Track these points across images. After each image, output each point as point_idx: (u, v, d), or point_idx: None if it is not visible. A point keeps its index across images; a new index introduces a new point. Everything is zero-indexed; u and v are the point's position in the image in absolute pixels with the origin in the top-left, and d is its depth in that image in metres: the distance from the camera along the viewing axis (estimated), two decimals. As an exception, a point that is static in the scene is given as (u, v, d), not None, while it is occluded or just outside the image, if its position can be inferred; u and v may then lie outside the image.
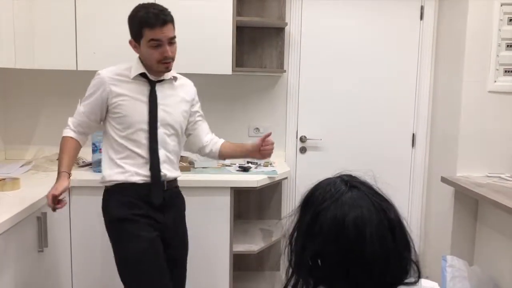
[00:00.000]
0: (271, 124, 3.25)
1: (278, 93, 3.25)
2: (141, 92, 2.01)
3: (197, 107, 2.24)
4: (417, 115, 3.30)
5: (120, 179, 1.99)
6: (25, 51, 2.58)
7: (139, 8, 1.96)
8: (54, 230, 2.30)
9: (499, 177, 2.78)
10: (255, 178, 2.64)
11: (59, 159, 2.03)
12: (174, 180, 2.14)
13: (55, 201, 1.89)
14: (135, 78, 2.00)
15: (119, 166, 2.00)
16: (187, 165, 2.77)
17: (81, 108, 2.06)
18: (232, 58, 2.79)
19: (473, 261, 2.90)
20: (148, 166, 2.00)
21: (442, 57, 3.15)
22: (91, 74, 2.94)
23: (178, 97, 2.11)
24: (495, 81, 2.82)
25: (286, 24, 3.11)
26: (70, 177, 2.04)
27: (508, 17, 2.76)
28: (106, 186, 2.06)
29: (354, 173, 1.08)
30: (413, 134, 3.32)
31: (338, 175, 1.07)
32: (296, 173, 3.28)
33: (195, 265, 2.65)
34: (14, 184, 2.24)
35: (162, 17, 1.91)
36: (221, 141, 2.29)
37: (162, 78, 2.05)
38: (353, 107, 3.26)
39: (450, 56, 3.03)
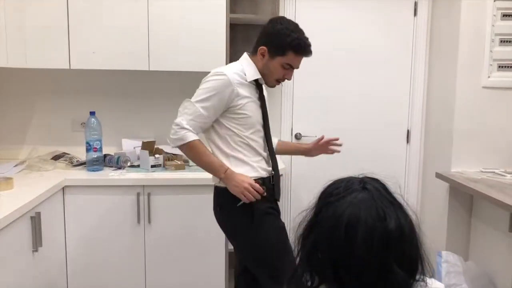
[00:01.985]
0: (266, 121, 3.24)
1: (273, 91, 3.21)
2: (255, 95, 2.06)
3: None
4: (411, 111, 3.30)
5: (253, 175, 2.02)
6: (17, 50, 2.56)
7: (292, 29, 2.00)
8: (49, 229, 2.29)
9: (494, 172, 2.79)
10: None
11: (209, 163, 2.00)
12: None
13: (256, 189, 1.96)
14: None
15: (247, 163, 2.03)
16: (182, 163, 2.77)
17: (201, 110, 1.95)
18: (226, 56, 2.78)
19: (468, 256, 2.91)
20: (265, 163, 2.10)
21: (436, 53, 3.16)
22: (85, 72, 2.96)
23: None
24: (489, 77, 2.82)
25: (280, 21, 3.10)
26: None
27: (501, 13, 2.77)
28: None
29: (377, 177, 1.07)
30: (408, 130, 3.33)
31: (361, 175, 1.07)
32: (292, 170, 3.28)
33: (191, 263, 2.65)
34: (8, 184, 2.22)
35: (310, 51, 2.03)
36: (276, 138, 2.36)
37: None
38: (348, 103, 3.26)
39: (444, 52, 3.04)
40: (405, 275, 0.95)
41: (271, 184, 2.09)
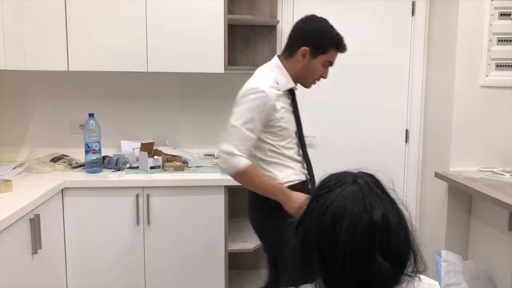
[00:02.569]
0: (265, 122, 3.25)
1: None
2: (288, 103, 2.02)
3: None
4: (410, 111, 3.31)
5: (296, 178, 2.00)
6: (15, 52, 2.56)
7: (330, 25, 2.02)
8: (48, 231, 2.28)
9: (492, 171, 2.80)
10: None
11: (265, 187, 1.92)
12: None
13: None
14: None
15: (289, 167, 2.00)
16: (181, 165, 2.77)
17: (247, 132, 1.87)
18: (224, 57, 2.78)
19: (467, 255, 2.91)
20: (302, 166, 2.06)
21: (434, 52, 3.16)
22: (83, 74, 2.96)
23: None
24: (487, 76, 2.83)
25: (278, 22, 3.11)
26: None
27: (499, 12, 2.78)
28: None
29: (372, 172, 1.09)
30: (407, 130, 3.33)
31: (357, 170, 1.10)
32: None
33: (190, 264, 2.65)
34: (6, 186, 2.22)
35: (346, 46, 2.03)
36: None
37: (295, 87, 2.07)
38: (346, 104, 3.26)
39: (442, 52, 3.04)
40: (389, 267, 0.96)
41: (308, 188, 2.04)
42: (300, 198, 1.86)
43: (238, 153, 1.85)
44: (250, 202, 2.13)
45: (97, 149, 2.69)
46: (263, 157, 1.99)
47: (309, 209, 1.07)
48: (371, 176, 1.08)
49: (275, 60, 2.06)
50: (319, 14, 3.16)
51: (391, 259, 0.97)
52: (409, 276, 1.04)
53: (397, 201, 1.05)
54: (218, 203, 2.61)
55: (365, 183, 1.03)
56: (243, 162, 1.86)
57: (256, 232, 2.18)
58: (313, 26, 2.00)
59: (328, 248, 0.98)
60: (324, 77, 2.06)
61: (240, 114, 1.89)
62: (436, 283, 1.11)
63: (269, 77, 1.98)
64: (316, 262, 1.01)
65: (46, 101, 3.07)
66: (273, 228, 1.99)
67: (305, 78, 2.04)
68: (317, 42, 1.98)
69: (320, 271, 1.01)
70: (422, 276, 1.07)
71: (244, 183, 1.97)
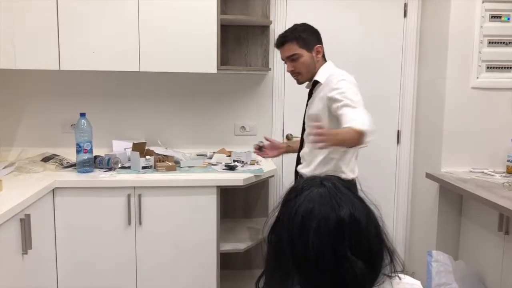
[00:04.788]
0: (257, 122, 3.25)
1: (264, 92, 3.25)
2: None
3: (335, 93, 2.09)
4: (401, 112, 3.32)
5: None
6: (6, 51, 2.54)
7: None
8: (38, 232, 2.27)
9: (483, 172, 2.82)
10: (241, 176, 2.64)
11: None
12: None
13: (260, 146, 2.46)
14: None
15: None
16: (172, 165, 2.76)
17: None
18: (217, 57, 2.78)
19: (458, 255, 2.93)
20: None
21: (426, 54, 3.18)
22: (74, 73, 2.95)
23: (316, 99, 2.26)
24: (478, 78, 2.85)
25: (271, 22, 3.11)
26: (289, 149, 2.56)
27: (489, 14, 2.80)
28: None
29: (339, 175, 1.13)
30: (398, 131, 3.35)
31: (324, 174, 1.12)
32: (283, 171, 3.28)
33: (182, 265, 2.64)
34: (-3, 186, 2.20)
35: (279, 40, 2.26)
36: None
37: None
38: (339, 104, 3.27)
39: (433, 53, 3.06)
40: (362, 265, 0.97)
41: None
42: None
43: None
44: None
45: (88, 148, 2.68)
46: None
47: (279, 215, 1.07)
48: (338, 178, 1.10)
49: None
50: (311, 15, 3.20)
51: (363, 257, 0.98)
52: (388, 276, 1.04)
53: (366, 200, 1.06)
54: (210, 203, 2.61)
55: (332, 184, 1.05)
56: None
57: None
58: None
59: (300, 250, 0.99)
60: (288, 71, 2.31)
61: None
62: (418, 282, 1.11)
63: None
64: (291, 267, 1.01)
65: (37, 100, 3.05)
66: None
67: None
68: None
69: (296, 276, 1.01)
70: (402, 276, 1.07)
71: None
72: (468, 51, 2.83)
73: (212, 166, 2.86)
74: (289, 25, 3.16)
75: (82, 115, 2.69)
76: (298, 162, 2.37)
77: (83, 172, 2.66)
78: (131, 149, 2.80)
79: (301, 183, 1.07)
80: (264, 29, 3.13)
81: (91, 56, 2.70)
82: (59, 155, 2.92)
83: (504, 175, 2.76)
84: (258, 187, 3.17)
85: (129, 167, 2.77)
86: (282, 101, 3.25)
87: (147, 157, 2.74)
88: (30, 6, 2.62)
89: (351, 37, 3.23)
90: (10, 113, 3.03)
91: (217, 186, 2.60)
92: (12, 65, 2.62)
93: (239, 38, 3.16)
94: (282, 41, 2.24)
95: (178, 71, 2.80)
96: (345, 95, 2.03)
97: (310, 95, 2.32)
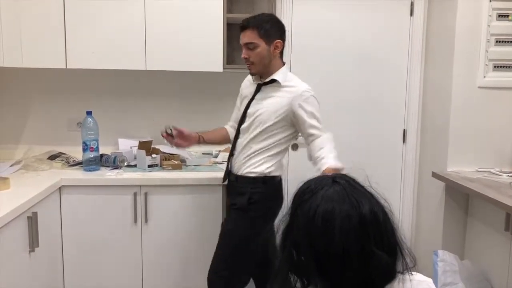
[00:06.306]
0: (263, 121, 3.24)
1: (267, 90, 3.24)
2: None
3: (306, 116, 2.24)
4: (408, 111, 3.31)
5: None
6: (13, 49, 2.55)
7: None
8: (45, 229, 2.28)
9: (489, 171, 2.81)
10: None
11: None
12: None
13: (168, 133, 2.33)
14: None
15: None
16: (178, 163, 2.77)
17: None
18: (223, 55, 2.78)
19: (464, 255, 2.92)
20: None
21: (432, 53, 3.17)
22: (81, 72, 2.95)
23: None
24: (485, 77, 2.83)
25: (277, 20, 3.10)
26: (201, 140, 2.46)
27: (497, 13, 2.78)
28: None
29: (347, 173, 1.11)
30: (404, 130, 3.33)
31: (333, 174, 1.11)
32: (288, 169, 3.28)
33: (188, 262, 2.65)
34: (4, 184, 2.21)
35: (241, 24, 2.20)
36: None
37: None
38: (344, 103, 3.26)
39: (440, 52, 3.05)
40: (388, 257, 0.97)
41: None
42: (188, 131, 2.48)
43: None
44: None
45: (94, 147, 2.69)
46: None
47: (294, 219, 1.05)
48: (347, 175, 1.09)
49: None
50: (318, 14, 3.20)
51: (386, 251, 0.98)
52: (401, 273, 1.04)
53: (377, 196, 1.06)
54: (215, 202, 2.61)
55: (345, 181, 1.04)
56: None
57: None
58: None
59: (324, 252, 0.97)
60: (242, 57, 2.25)
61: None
62: (430, 279, 1.11)
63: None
64: (313, 271, 0.99)
65: (44, 98, 3.06)
66: None
67: None
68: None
69: (319, 280, 0.99)
70: (413, 273, 1.07)
71: None
72: (475, 50, 2.82)
73: (217, 164, 2.87)
74: (295, 23, 3.22)
75: (89, 113, 2.70)
76: (232, 152, 2.36)
77: (90, 171, 2.67)
78: (137, 147, 2.81)
79: (312, 184, 1.06)
80: (270, 27, 3.12)
81: (97, 54, 2.70)
82: (65, 153, 2.93)
83: (511, 174, 2.74)
84: (264, 186, 3.16)
85: (135, 166, 2.78)
86: (288, 100, 3.24)
87: (153, 155, 2.74)
88: (37, 5, 2.63)
89: (358, 36, 3.22)
90: (17, 111, 3.05)
91: (223, 185, 2.60)
92: (19, 63, 2.63)
93: (245, 36, 3.15)
94: (244, 26, 2.19)
95: (184, 70, 2.80)
96: (317, 119, 2.24)
97: (258, 89, 2.29)
